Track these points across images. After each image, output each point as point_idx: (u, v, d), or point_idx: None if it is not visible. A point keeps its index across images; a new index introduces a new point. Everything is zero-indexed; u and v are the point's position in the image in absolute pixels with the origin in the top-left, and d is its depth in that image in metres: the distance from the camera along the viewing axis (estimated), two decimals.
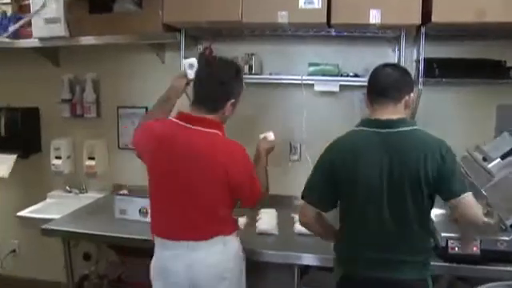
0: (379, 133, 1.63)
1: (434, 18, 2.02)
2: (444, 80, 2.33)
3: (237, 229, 1.90)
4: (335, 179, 1.67)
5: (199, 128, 1.72)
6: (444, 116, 2.51)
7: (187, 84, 1.99)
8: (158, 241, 1.82)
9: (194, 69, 1.95)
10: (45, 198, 3.05)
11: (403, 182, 1.57)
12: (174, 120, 1.77)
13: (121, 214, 2.46)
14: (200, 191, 1.71)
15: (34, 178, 3.16)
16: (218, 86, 1.75)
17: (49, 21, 2.59)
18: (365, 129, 1.68)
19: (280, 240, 2.22)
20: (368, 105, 1.74)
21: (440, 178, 1.56)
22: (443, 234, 1.90)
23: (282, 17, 2.16)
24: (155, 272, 1.83)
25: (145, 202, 2.34)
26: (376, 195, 1.60)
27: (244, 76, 2.38)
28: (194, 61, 1.98)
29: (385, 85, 1.68)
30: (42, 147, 3.13)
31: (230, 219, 1.84)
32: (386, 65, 1.76)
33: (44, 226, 2.36)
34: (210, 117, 1.74)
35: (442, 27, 2.19)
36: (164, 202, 1.78)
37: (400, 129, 1.63)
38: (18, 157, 2.98)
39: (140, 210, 2.41)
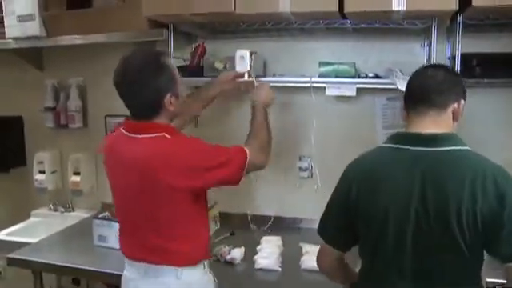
0: (414, 152, 1.24)
1: (476, 2, 1.60)
2: (486, 80, 1.90)
3: (202, 257, 1.56)
4: (354, 212, 1.31)
5: (144, 135, 1.47)
6: (486, 125, 2.08)
7: (237, 77, 1.95)
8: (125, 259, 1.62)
9: (246, 61, 1.91)
10: (29, 217, 2.78)
11: (440, 223, 1.15)
12: (121, 130, 1.55)
13: (100, 241, 2.15)
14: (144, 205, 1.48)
15: (17, 195, 2.90)
16: (141, 90, 1.44)
17: (22, 18, 2.31)
18: (394, 146, 1.29)
19: (283, 278, 1.84)
20: (404, 116, 1.37)
21: (493, 227, 1.13)
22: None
23: (284, 4, 1.78)
24: None
25: None
26: (400, 239, 1.20)
27: (242, 79, 2.06)
28: (245, 53, 1.91)
29: (425, 88, 1.30)
30: (26, 160, 2.85)
31: (187, 244, 1.51)
32: (431, 65, 1.40)
33: (10, 255, 2.07)
34: (152, 123, 1.49)
35: (485, 14, 1.78)
36: (120, 218, 1.64)
37: (443, 148, 1.22)
38: None
39: None
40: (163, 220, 1.48)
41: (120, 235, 1.63)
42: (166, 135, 1.47)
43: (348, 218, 1.33)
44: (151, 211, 1.47)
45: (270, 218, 2.32)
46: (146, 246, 1.50)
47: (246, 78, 1.97)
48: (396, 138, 1.32)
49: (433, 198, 1.16)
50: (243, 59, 1.93)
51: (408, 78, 1.39)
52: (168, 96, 1.47)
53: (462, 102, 1.32)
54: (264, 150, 1.70)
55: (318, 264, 1.50)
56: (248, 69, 1.95)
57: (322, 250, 1.44)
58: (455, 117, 1.31)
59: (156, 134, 1.46)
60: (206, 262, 1.57)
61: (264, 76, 2.20)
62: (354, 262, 1.43)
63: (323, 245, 1.43)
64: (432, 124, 1.27)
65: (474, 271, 1.23)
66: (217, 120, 2.38)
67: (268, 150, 1.72)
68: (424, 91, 1.30)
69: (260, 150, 1.66)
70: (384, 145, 1.34)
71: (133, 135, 1.49)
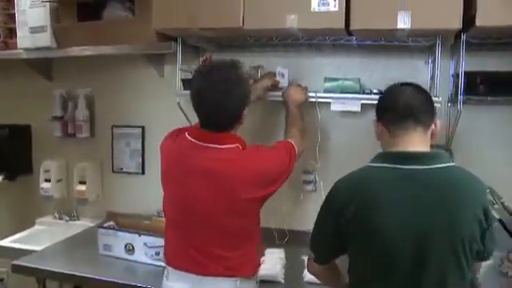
0: (402, 170, 1.23)
1: (479, 22, 1.62)
2: (489, 98, 1.92)
3: (254, 273, 1.59)
4: (343, 231, 1.29)
5: (222, 146, 1.49)
6: (488, 143, 2.09)
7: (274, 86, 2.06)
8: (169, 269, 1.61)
9: (286, 77, 2.09)
10: (33, 224, 2.79)
11: (443, 241, 1.17)
12: (188, 137, 1.54)
13: (105, 250, 2.16)
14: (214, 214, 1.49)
15: (22, 202, 2.92)
16: (231, 99, 1.47)
17: (34, 30, 2.35)
18: (384, 165, 1.27)
19: None
20: (382, 133, 1.35)
21: (482, 241, 1.21)
22: None
23: (291, 21, 1.80)
24: None
25: (131, 238, 2.08)
26: (397, 260, 1.20)
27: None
28: (285, 70, 2.10)
29: (413, 104, 1.29)
30: (33, 169, 2.88)
31: (249, 256, 1.55)
32: (406, 83, 1.37)
33: (15, 262, 2.08)
34: (228, 133, 1.52)
35: (488, 34, 1.80)
36: (173, 225, 1.61)
37: (432, 166, 1.22)
38: (4, 179, 2.76)
39: (126, 247, 2.09)
40: (232, 230, 1.49)
41: (168, 245, 1.61)
42: (240, 146, 1.50)
43: (338, 239, 1.31)
44: (220, 221, 1.47)
45: (273, 230, 2.33)
46: (205, 257, 1.49)
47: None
48: (384, 157, 1.30)
49: (429, 215, 1.17)
50: (283, 76, 2.09)
51: None
52: (246, 110, 1.52)
53: (438, 121, 1.33)
54: (303, 137, 1.84)
55: (307, 267, 1.54)
56: (287, 85, 2.09)
57: (310, 261, 1.47)
58: (433, 135, 1.32)
59: (234, 145, 1.48)
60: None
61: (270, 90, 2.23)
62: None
63: (310, 257, 1.45)
64: (419, 142, 1.28)
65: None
66: None
67: (306, 136, 1.88)
68: (412, 108, 1.29)
69: (301, 139, 1.79)
70: (373, 164, 1.30)
71: (206, 144, 1.48)
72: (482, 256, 1.25)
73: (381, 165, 1.28)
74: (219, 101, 1.44)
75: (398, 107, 1.30)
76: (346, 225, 1.26)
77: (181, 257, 1.54)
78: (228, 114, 1.48)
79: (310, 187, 2.29)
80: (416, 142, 1.27)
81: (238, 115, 1.50)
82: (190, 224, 1.52)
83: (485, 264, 1.37)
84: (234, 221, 1.48)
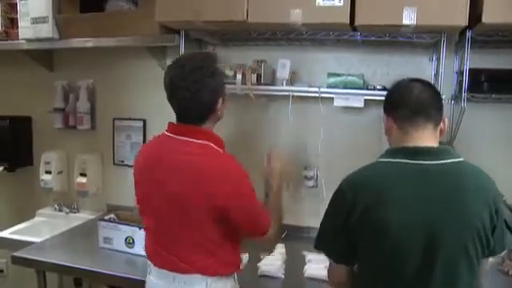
0: (416, 165, 1.21)
1: (486, 18, 1.61)
2: (494, 96, 1.91)
3: (233, 271, 1.55)
4: (353, 229, 1.25)
5: (189, 139, 1.44)
6: (492, 141, 2.09)
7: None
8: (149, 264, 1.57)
9: (287, 69, 2.06)
10: (34, 216, 2.78)
11: (456, 236, 1.16)
12: (165, 133, 1.52)
13: (105, 243, 2.15)
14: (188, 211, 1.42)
15: (23, 194, 2.91)
16: (201, 90, 1.42)
17: (36, 20, 2.33)
18: (395, 160, 1.25)
19: (286, 285, 1.84)
20: (391, 129, 1.32)
21: (493, 232, 1.19)
22: None
23: (295, 15, 1.79)
24: None
25: (132, 231, 2.08)
26: (412, 256, 1.18)
27: (252, 87, 2.08)
28: (287, 61, 2.05)
29: (423, 101, 1.27)
30: (33, 160, 2.87)
31: (220, 256, 1.47)
32: (414, 79, 1.34)
33: (14, 254, 2.07)
34: (200, 128, 1.47)
35: (494, 30, 1.78)
36: (151, 222, 1.54)
37: (445, 160, 1.22)
38: (4, 170, 2.75)
39: (126, 240, 2.09)
40: (206, 230, 1.42)
41: (148, 241, 1.57)
42: (214, 146, 1.45)
43: (347, 236, 1.26)
44: (194, 219, 1.41)
45: None
46: (180, 255, 1.45)
47: None
48: (395, 152, 1.28)
49: (444, 209, 1.16)
50: (284, 67, 2.07)
51: None
52: (221, 99, 1.47)
53: (446, 119, 1.32)
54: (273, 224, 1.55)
55: (329, 278, 1.45)
56: (287, 77, 2.06)
57: (332, 266, 1.39)
58: (442, 132, 1.31)
59: (207, 142, 1.43)
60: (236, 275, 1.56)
61: (273, 84, 2.22)
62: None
63: (330, 261, 1.38)
64: (429, 138, 1.26)
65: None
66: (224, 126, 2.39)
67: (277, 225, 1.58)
68: (423, 105, 1.27)
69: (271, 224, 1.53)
70: (383, 159, 1.28)
71: (179, 137, 1.45)
72: (493, 252, 1.23)
73: (392, 160, 1.26)
74: (190, 91, 1.41)
75: (409, 104, 1.28)
76: (357, 222, 1.22)
77: (156, 254, 1.52)
78: (199, 104, 1.43)
79: (310, 183, 2.29)
80: (426, 138, 1.26)
81: (211, 106, 1.45)
82: (165, 219, 1.48)
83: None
84: (200, 220, 1.41)
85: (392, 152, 1.29)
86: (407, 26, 1.72)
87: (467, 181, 1.20)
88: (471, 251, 1.16)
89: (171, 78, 1.43)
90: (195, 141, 1.44)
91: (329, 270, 1.42)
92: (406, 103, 1.29)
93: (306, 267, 1.91)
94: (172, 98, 1.46)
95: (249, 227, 1.47)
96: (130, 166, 2.63)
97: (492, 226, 1.18)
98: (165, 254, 1.48)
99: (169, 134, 1.50)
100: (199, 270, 1.44)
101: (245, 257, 1.97)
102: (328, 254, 1.36)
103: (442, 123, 1.30)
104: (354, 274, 1.35)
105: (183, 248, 1.45)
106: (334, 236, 1.31)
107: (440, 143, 1.31)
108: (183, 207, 1.41)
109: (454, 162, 1.22)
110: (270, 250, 1.94)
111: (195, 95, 1.41)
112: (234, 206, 1.39)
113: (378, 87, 2.07)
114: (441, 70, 1.90)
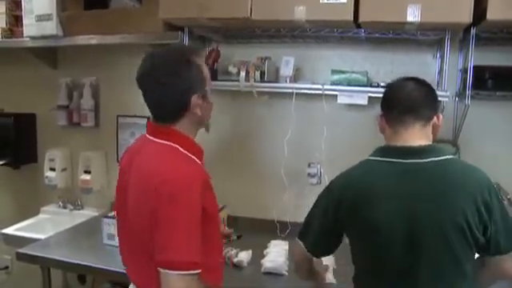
0: (403, 164, 1.24)
1: (490, 15, 1.61)
2: (498, 93, 1.90)
3: None
4: (340, 225, 1.31)
5: (154, 139, 1.33)
6: (496, 139, 2.07)
7: None
8: None
9: (291, 66, 2.08)
10: (38, 213, 2.80)
11: (438, 233, 1.17)
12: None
13: (109, 240, 2.15)
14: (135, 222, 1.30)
15: (27, 191, 2.93)
16: (166, 87, 1.27)
17: (40, 18, 2.34)
18: (382, 159, 1.29)
19: (289, 282, 1.85)
20: (384, 127, 1.36)
21: (485, 230, 1.19)
22: None
23: (299, 12, 1.79)
24: None
25: None
26: (397, 254, 1.21)
27: (255, 84, 2.08)
28: (290, 58, 2.07)
29: (412, 100, 1.30)
30: (38, 157, 2.88)
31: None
32: (408, 78, 1.37)
33: (19, 250, 2.08)
34: (169, 127, 1.32)
35: (499, 27, 1.78)
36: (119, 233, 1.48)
37: (431, 159, 1.23)
38: (7, 166, 2.77)
39: None
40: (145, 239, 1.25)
41: (123, 258, 1.46)
42: (180, 148, 1.30)
43: (331, 228, 1.33)
44: (143, 230, 1.25)
45: (277, 222, 2.32)
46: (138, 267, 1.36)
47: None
48: (382, 151, 1.31)
49: (428, 208, 1.18)
50: (288, 64, 2.10)
51: None
52: (195, 97, 1.29)
53: (441, 116, 1.33)
54: None
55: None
56: (291, 74, 2.08)
57: (296, 245, 1.45)
58: (435, 130, 1.32)
59: (173, 144, 1.29)
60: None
61: (276, 82, 2.22)
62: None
63: (297, 241, 1.44)
64: (418, 136, 1.28)
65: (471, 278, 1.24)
66: (227, 124, 2.40)
67: None
68: (412, 103, 1.30)
69: None
70: (372, 158, 1.32)
71: (150, 137, 1.34)
72: (492, 250, 1.22)
73: (379, 158, 1.29)
74: (159, 83, 1.27)
75: (398, 104, 1.31)
76: (341, 220, 1.29)
77: (136, 272, 1.42)
78: (171, 99, 1.28)
79: (314, 180, 2.28)
80: (415, 136, 1.28)
81: (182, 102, 1.28)
82: (120, 229, 1.42)
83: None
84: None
85: (381, 150, 1.32)
86: (411, 23, 1.72)
87: (451, 178, 1.21)
88: (456, 249, 1.17)
89: (138, 72, 1.31)
90: (160, 141, 1.31)
91: (293, 247, 1.50)
92: (397, 103, 1.32)
93: None
94: (143, 94, 1.32)
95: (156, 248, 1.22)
96: None
97: (482, 223, 1.18)
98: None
99: (146, 134, 1.38)
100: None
101: (248, 253, 1.98)
102: (301, 237, 1.43)
103: (436, 119, 1.31)
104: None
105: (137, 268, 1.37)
106: (313, 226, 1.38)
107: (442, 141, 1.32)
108: (132, 226, 1.29)
109: (440, 160, 1.23)
110: None
111: (165, 88, 1.27)
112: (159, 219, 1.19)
113: (382, 84, 2.06)
114: (445, 68, 1.90)
